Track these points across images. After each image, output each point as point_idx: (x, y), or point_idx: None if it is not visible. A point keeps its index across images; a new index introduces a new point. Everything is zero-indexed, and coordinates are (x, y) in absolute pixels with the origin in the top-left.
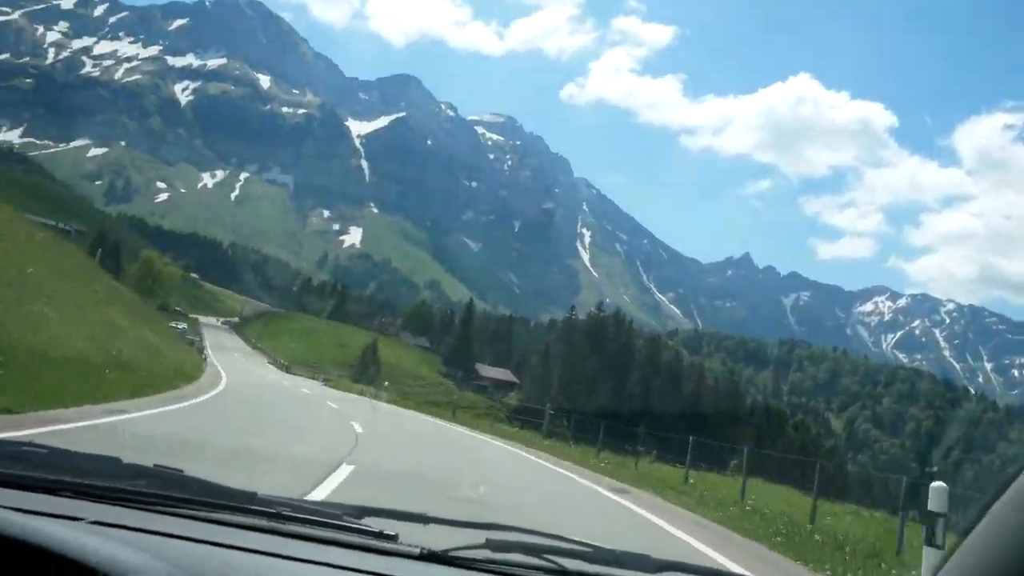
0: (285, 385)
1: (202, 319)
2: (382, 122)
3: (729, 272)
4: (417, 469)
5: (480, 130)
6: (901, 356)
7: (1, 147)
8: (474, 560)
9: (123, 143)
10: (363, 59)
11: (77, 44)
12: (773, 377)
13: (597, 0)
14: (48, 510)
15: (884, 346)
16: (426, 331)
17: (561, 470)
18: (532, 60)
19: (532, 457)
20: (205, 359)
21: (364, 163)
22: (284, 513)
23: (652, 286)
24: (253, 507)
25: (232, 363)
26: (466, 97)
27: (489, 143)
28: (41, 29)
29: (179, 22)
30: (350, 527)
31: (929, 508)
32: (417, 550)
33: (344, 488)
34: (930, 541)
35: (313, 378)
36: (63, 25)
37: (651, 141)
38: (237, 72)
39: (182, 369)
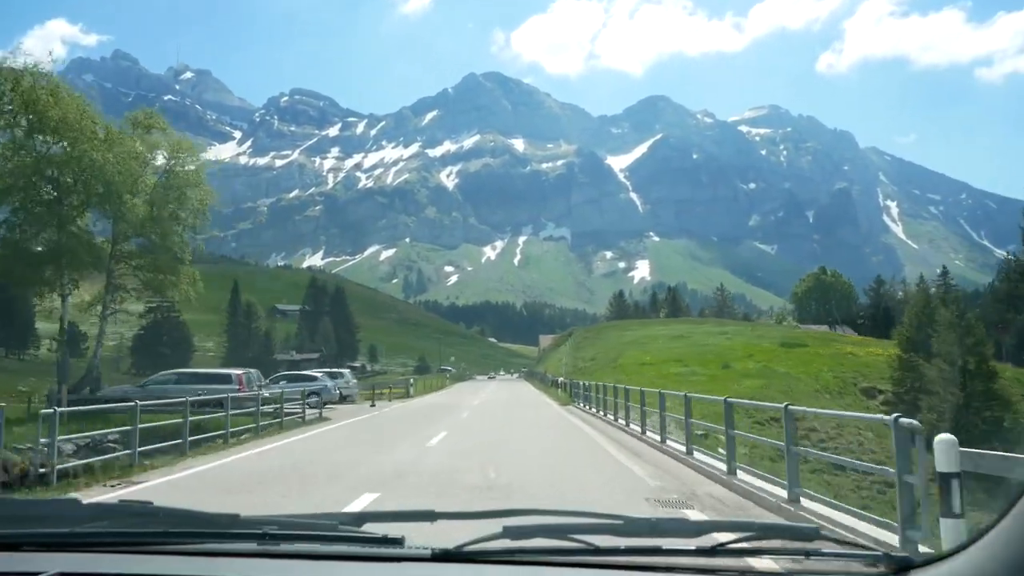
0: None
1: (479, 376)
2: (641, 150)
3: None
4: None
5: (744, 128)
6: None
7: (312, 271)
8: (492, 552)
9: (407, 239)
10: (607, 96)
11: (349, 163)
12: None
13: None
14: (10, 569)
15: None
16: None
17: None
18: (779, 41)
19: None
20: None
21: (633, 195)
22: (272, 532)
23: (987, 242)
24: (236, 531)
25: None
26: (721, 100)
27: (757, 139)
28: (318, 160)
29: (430, 115)
30: (350, 537)
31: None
32: (428, 551)
33: None
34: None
35: None
36: (334, 151)
37: (937, 85)
38: (492, 143)
39: None
